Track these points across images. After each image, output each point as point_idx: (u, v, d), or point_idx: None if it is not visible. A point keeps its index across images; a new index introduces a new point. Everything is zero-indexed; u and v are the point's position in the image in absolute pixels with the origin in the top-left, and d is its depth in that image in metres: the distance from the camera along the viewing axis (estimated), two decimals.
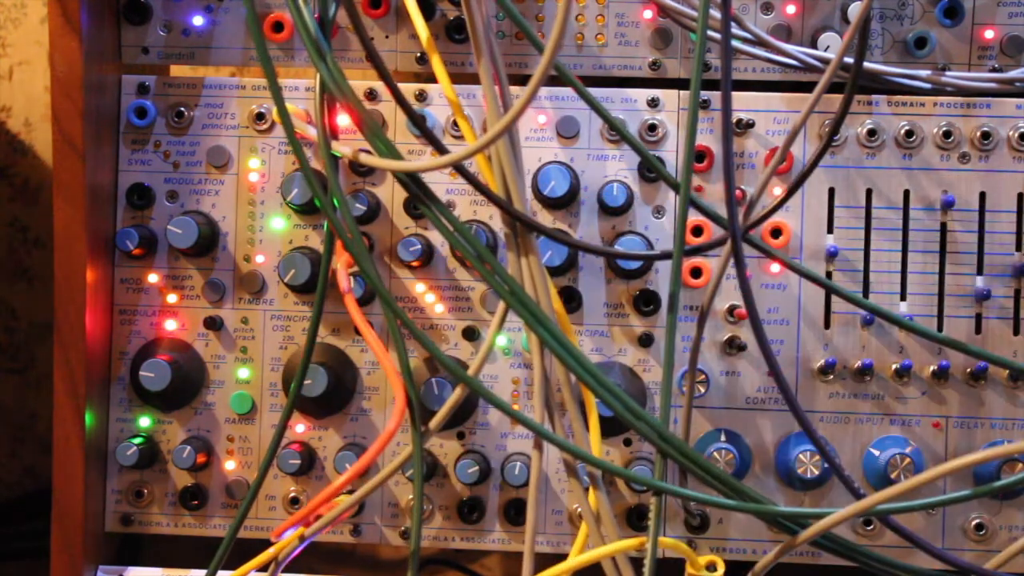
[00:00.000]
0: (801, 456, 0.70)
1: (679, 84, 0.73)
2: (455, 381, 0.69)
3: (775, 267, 0.72)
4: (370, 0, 0.73)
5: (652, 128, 0.72)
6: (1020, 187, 0.72)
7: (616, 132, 0.66)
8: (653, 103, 0.73)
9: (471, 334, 0.73)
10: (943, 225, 0.72)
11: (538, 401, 0.60)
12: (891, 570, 0.60)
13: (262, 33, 0.73)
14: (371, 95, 0.73)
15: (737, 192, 0.70)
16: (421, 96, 0.73)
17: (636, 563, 0.60)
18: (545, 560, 0.62)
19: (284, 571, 0.64)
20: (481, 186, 0.60)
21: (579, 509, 0.72)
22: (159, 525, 0.74)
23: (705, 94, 0.72)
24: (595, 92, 0.65)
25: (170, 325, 0.74)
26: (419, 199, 0.60)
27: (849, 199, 0.72)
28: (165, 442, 0.74)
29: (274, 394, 0.74)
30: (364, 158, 0.61)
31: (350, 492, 0.65)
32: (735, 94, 0.71)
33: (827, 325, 0.72)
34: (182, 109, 0.73)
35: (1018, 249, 0.71)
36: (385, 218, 0.73)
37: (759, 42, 0.70)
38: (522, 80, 0.73)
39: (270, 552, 0.63)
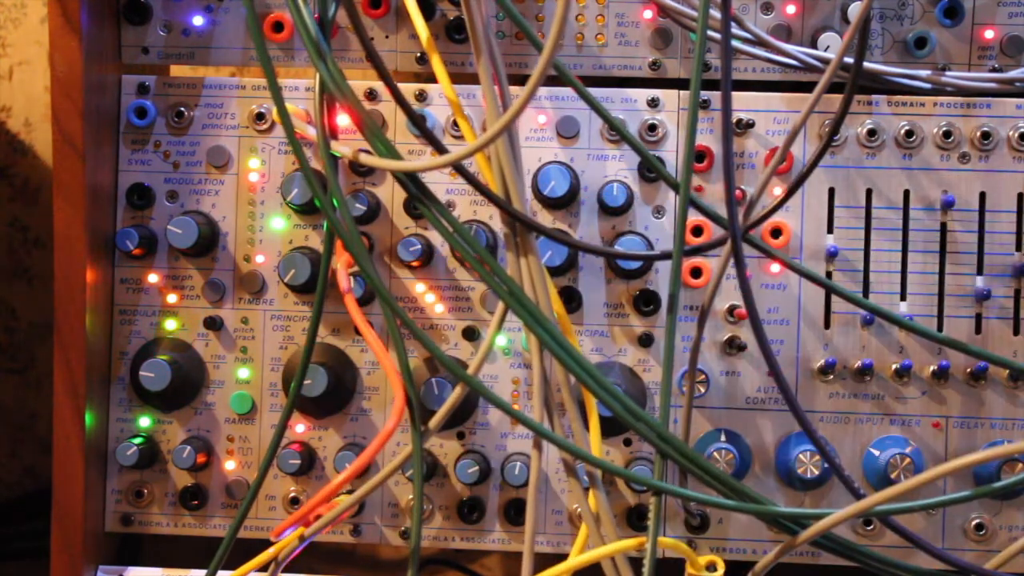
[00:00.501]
0: (801, 456, 0.70)
1: (679, 84, 0.73)
2: (455, 381, 0.69)
3: (775, 267, 0.72)
4: (370, 0, 0.73)
5: (652, 128, 0.72)
6: (1020, 187, 0.72)
7: (616, 132, 0.66)
8: (653, 103, 0.73)
9: (471, 334, 0.73)
10: (943, 225, 0.72)
11: (537, 401, 0.60)
12: (891, 570, 0.60)
13: (262, 33, 0.73)
14: (371, 95, 0.73)
15: (737, 192, 0.70)
16: (421, 96, 0.73)
17: (636, 563, 0.60)
18: (545, 560, 0.62)
19: (284, 571, 0.64)
20: (481, 186, 0.60)
21: (579, 509, 0.73)
22: (159, 525, 0.74)
23: (705, 94, 0.72)
24: (595, 92, 0.65)
25: (170, 325, 0.74)
26: (418, 199, 0.60)
27: (849, 199, 0.72)
28: (165, 442, 0.74)
29: (274, 394, 0.74)
30: (364, 158, 0.61)
31: (350, 492, 0.65)
32: (735, 94, 0.71)
33: (827, 325, 0.72)
34: (182, 109, 0.73)
35: (1018, 249, 0.71)
36: (385, 218, 0.73)
37: (759, 42, 0.70)
38: (522, 80, 0.72)
39: (270, 552, 0.63)
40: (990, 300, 0.71)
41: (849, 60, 0.63)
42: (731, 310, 0.72)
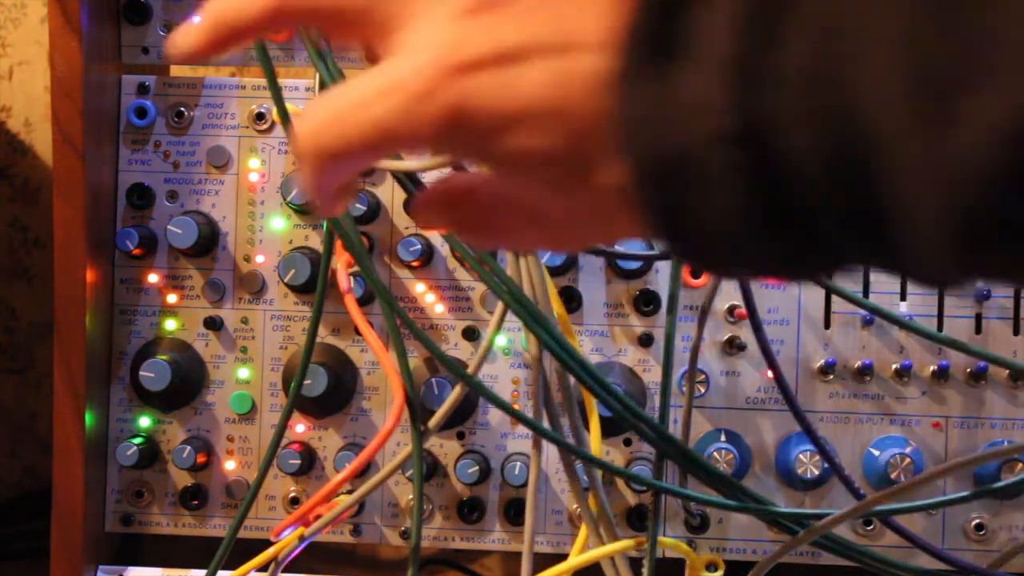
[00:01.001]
0: (801, 456, 0.70)
1: None
2: (455, 381, 0.69)
3: None
4: None
5: None
6: None
7: None
8: None
9: (471, 334, 0.73)
10: None
11: (536, 401, 0.60)
12: (891, 570, 0.60)
13: None
14: None
15: None
16: None
17: (635, 563, 0.60)
18: (545, 560, 0.62)
19: (284, 571, 0.64)
20: None
21: (579, 509, 0.73)
22: (159, 525, 0.74)
23: None
24: None
25: (170, 325, 0.74)
26: None
27: None
28: (165, 442, 0.74)
29: (274, 394, 0.74)
30: None
31: (350, 492, 0.65)
32: None
33: (827, 325, 0.72)
34: (182, 109, 0.73)
35: None
36: (385, 218, 0.73)
37: None
38: None
39: (270, 552, 0.63)
40: (990, 300, 0.71)
41: None
42: (731, 310, 0.72)
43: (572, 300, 0.72)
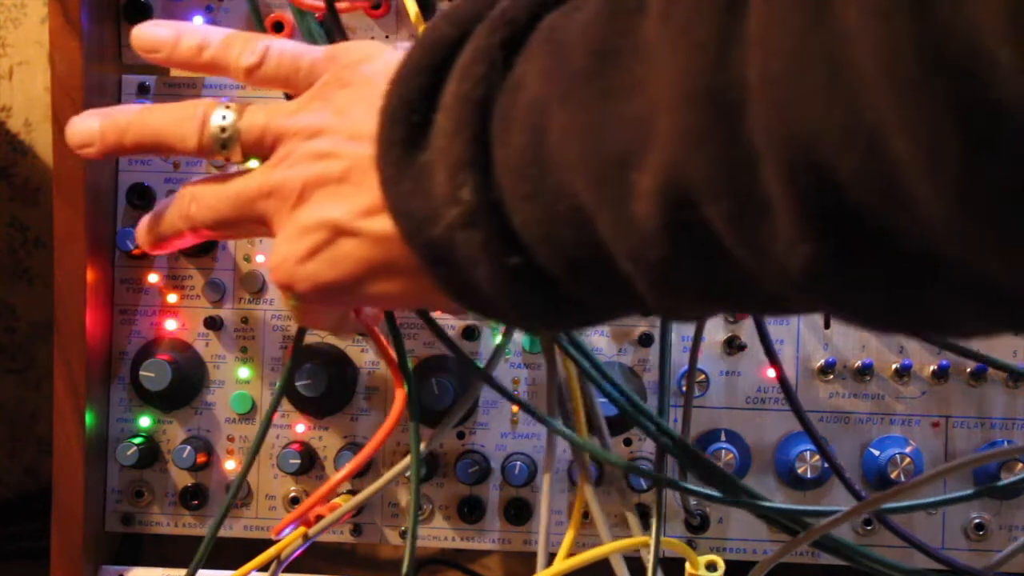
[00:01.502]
0: (801, 456, 0.70)
1: None
2: (455, 381, 0.69)
3: None
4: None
5: None
6: None
7: None
8: None
9: (471, 334, 0.73)
10: None
11: (551, 398, 0.60)
12: (889, 571, 0.60)
13: (264, 32, 0.73)
14: None
15: None
16: None
17: (636, 563, 0.60)
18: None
19: (283, 571, 0.63)
20: None
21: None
22: (159, 525, 0.74)
23: None
24: None
25: (170, 325, 0.74)
26: None
27: None
28: (165, 442, 0.74)
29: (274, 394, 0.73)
30: None
31: (351, 491, 0.65)
32: None
33: (827, 325, 0.72)
34: None
35: None
36: None
37: None
38: None
39: (272, 551, 0.62)
40: None
41: None
42: None
43: None
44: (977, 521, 0.71)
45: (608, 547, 0.59)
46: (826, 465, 0.69)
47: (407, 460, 0.61)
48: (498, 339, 0.71)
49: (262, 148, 0.51)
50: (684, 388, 0.68)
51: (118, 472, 0.74)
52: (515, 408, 0.73)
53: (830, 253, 0.32)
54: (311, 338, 0.73)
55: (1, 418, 0.93)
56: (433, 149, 0.41)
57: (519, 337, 0.73)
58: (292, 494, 0.74)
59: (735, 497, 0.60)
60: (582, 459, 0.62)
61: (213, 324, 0.73)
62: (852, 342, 0.72)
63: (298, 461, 0.72)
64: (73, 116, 0.55)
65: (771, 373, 0.72)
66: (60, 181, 0.70)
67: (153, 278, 0.74)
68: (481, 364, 0.61)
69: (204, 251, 0.73)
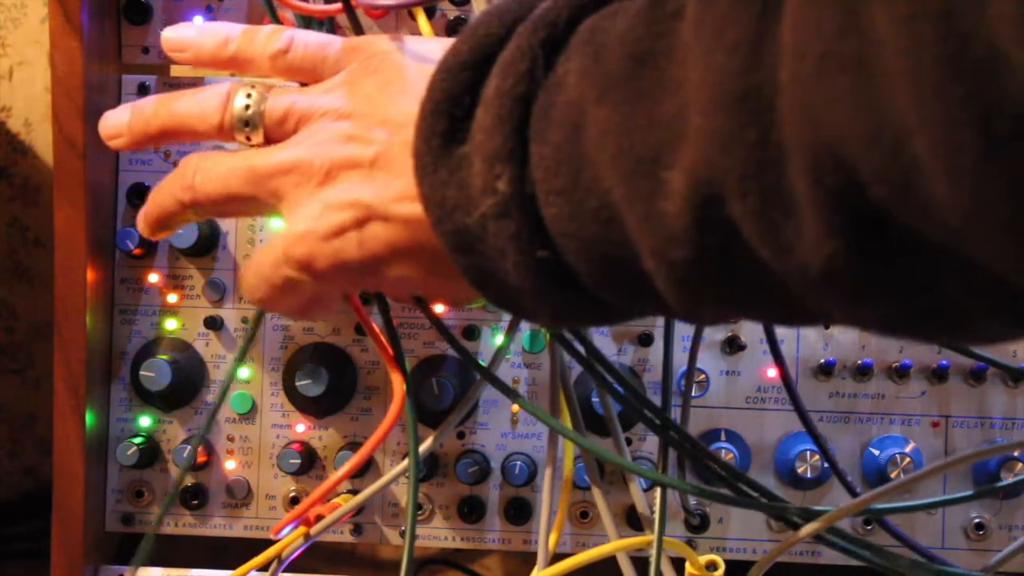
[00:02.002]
0: (801, 455, 0.70)
1: None
2: (455, 381, 0.69)
3: None
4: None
5: None
6: None
7: None
8: None
9: (471, 333, 0.73)
10: None
11: (553, 397, 0.60)
12: (891, 565, 0.60)
13: None
14: None
15: None
16: None
17: (637, 564, 0.60)
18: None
19: (283, 571, 0.63)
20: None
21: (580, 508, 0.73)
22: (159, 525, 0.74)
23: None
24: None
25: (170, 325, 0.74)
26: None
27: None
28: (165, 442, 0.74)
29: (274, 394, 0.74)
30: None
31: (351, 491, 0.65)
32: None
33: (827, 324, 0.72)
34: None
35: None
36: None
37: None
38: None
39: (272, 551, 0.62)
40: None
41: None
42: None
43: None
44: (977, 521, 0.72)
45: (608, 547, 0.59)
46: (826, 465, 0.69)
47: (405, 463, 0.61)
48: (499, 339, 0.72)
49: (284, 131, 0.52)
50: (684, 388, 0.68)
51: (118, 472, 0.74)
52: (515, 408, 0.73)
53: (851, 252, 0.32)
54: (311, 338, 0.73)
55: (1, 418, 0.93)
56: (472, 142, 0.43)
57: (519, 337, 0.73)
58: (292, 494, 0.74)
59: (738, 492, 0.60)
60: (588, 460, 0.62)
61: (213, 324, 0.73)
62: (852, 342, 0.72)
63: (298, 461, 0.72)
64: (106, 111, 0.57)
65: (771, 373, 0.72)
66: (60, 181, 0.70)
67: (153, 278, 0.74)
68: (483, 364, 0.61)
69: (204, 251, 0.73)
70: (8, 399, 0.92)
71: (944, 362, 0.71)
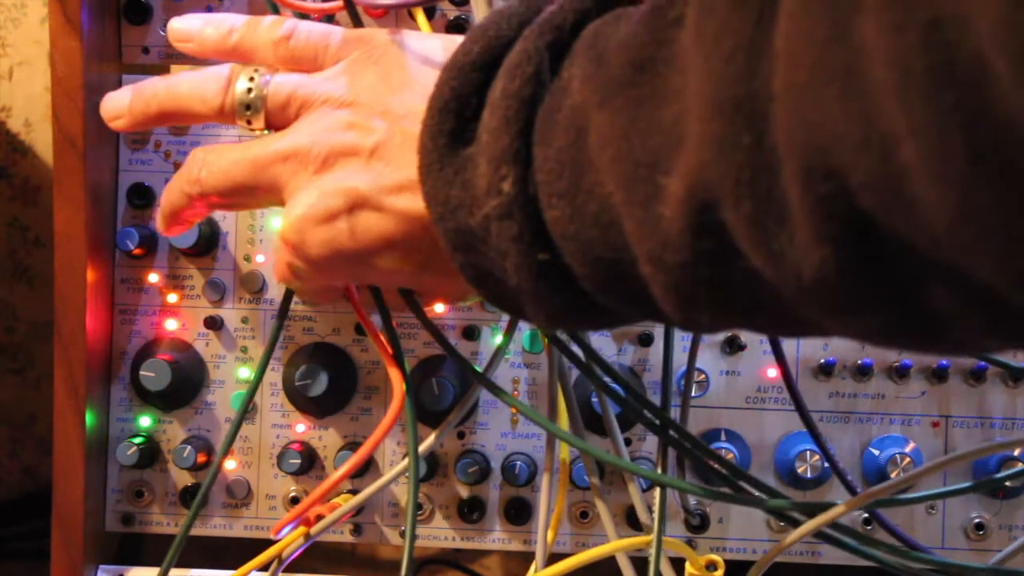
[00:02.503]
0: (801, 455, 0.70)
1: None
2: (456, 382, 0.69)
3: None
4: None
5: None
6: None
7: None
8: None
9: (471, 334, 0.73)
10: None
11: (551, 399, 0.60)
12: (897, 559, 0.60)
13: None
14: None
15: None
16: None
17: (637, 564, 0.60)
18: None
19: (283, 571, 0.63)
20: None
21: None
22: (159, 525, 0.74)
23: None
24: None
25: (170, 325, 0.74)
26: None
27: None
28: (165, 442, 0.74)
29: (274, 394, 0.74)
30: None
31: (351, 491, 0.64)
32: None
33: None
34: None
35: None
36: None
37: None
38: None
39: (272, 551, 0.62)
40: None
41: None
42: None
43: None
44: (977, 521, 0.72)
45: (608, 547, 0.59)
46: (826, 465, 0.69)
47: (405, 463, 0.61)
48: (498, 339, 0.72)
49: (286, 116, 0.52)
50: (683, 388, 0.68)
51: (118, 472, 0.74)
52: (515, 408, 0.73)
53: (842, 259, 0.33)
54: (311, 338, 0.73)
55: (1, 418, 0.93)
56: (479, 142, 0.43)
57: (519, 337, 0.73)
58: (292, 494, 0.74)
59: (738, 490, 0.60)
60: (587, 461, 0.62)
61: (213, 324, 0.73)
62: (852, 342, 0.72)
63: (298, 461, 0.72)
64: (108, 93, 0.57)
65: (771, 372, 0.72)
66: (60, 181, 0.70)
67: (153, 278, 0.74)
68: (480, 365, 0.61)
69: (204, 251, 0.73)
70: (8, 399, 0.92)
71: (944, 362, 0.71)
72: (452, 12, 0.73)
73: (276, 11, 0.59)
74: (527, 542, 0.74)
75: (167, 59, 0.74)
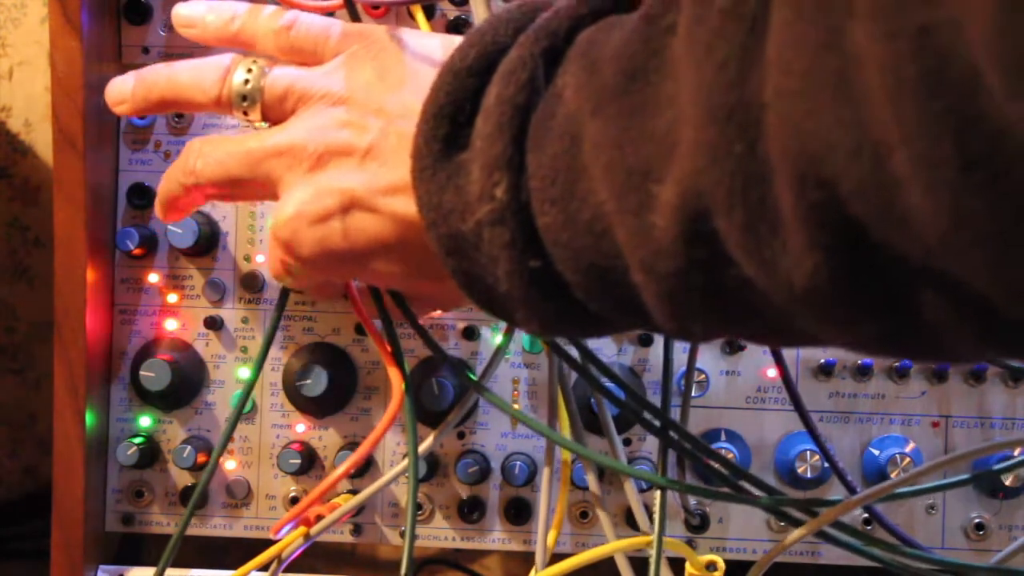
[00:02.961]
0: (801, 455, 0.70)
1: None
2: (456, 382, 0.69)
3: None
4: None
5: None
6: None
7: None
8: None
9: (471, 334, 0.73)
10: None
11: (551, 403, 0.60)
12: (898, 557, 0.60)
13: None
14: None
15: None
16: None
17: (637, 564, 0.60)
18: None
19: (283, 571, 0.63)
20: None
21: (579, 509, 0.73)
22: (159, 525, 0.74)
23: None
24: None
25: (170, 325, 0.74)
26: None
27: None
28: (165, 442, 0.74)
29: (274, 394, 0.74)
30: None
31: (352, 492, 0.64)
32: None
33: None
34: None
35: None
36: None
37: None
38: None
39: (272, 551, 0.62)
40: None
41: None
42: None
43: None
44: (977, 521, 0.72)
45: (608, 547, 0.59)
46: (826, 465, 0.69)
47: (405, 463, 0.61)
48: (498, 339, 0.71)
49: (283, 109, 0.52)
50: (683, 388, 0.68)
51: (118, 472, 0.74)
52: (516, 406, 0.73)
53: (833, 268, 0.32)
54: (311, 338, 0.73)
55: (1, 418, 0.93)
56: (472, 148, 0.43)
57: (519, 337, 0.73)
58: (292, 494, 0.74)
59: (739, 489, 0.60)
60: (586, 462, 0.62)
61: (213, 324, 0.73)
62: None
63: (298, 461, 0.72)
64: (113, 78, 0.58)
65: (771, 373, 0.72)
66: (60, 181, 0.70)
67: (153, 278, 0.74)
68: (481, 365, 0.61)
69: (204, 251, 0.73)
70: (8, 399, 0.92)
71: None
72: (452, 12, 0.73)
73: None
74: (527, 542, 0.74)
75: (167, 59, 0.74)
